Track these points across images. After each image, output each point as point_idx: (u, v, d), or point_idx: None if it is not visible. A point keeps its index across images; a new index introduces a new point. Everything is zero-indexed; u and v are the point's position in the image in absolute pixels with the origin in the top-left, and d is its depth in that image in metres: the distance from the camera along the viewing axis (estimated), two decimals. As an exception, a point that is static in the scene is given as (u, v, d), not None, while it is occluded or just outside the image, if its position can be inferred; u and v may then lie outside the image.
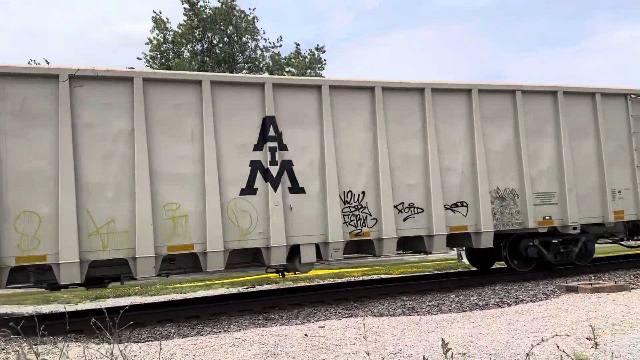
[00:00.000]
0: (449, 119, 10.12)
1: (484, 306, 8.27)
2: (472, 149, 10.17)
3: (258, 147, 8.77)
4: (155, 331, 7.67)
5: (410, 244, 10.17)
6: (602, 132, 11.31)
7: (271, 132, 8.81)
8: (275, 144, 8.82)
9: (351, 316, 7.89)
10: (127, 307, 5.35)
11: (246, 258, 8.96)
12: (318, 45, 25.97)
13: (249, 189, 8.64)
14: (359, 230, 9.32)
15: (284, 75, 23.77)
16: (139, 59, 24.76)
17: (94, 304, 11.76)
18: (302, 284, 13.01)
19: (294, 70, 25.22)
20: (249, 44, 25.54)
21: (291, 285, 12.92)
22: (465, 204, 10.09)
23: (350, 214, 9.27)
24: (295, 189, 8.92)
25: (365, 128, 9.50)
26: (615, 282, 9.04)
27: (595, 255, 11.83)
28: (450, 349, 3.80)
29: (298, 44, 30.86)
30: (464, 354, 4.89)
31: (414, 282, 10.75)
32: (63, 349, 4.77)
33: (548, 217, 10.71)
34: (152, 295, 12.75)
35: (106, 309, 5.10)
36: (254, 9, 25.95)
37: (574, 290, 8.76)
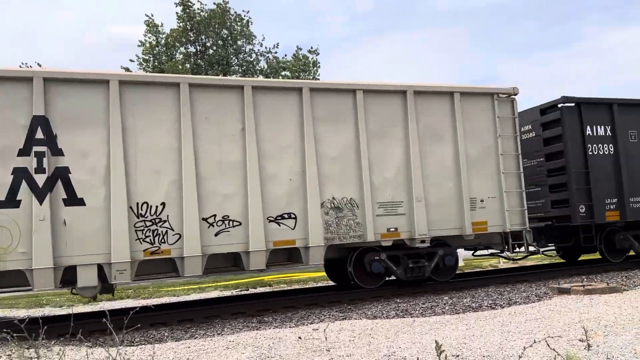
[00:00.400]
0: (276, 120, 9.02)
1: (477, 308, 8.16)
2: (303, 154, 9.09)
3: (24, 152, 7.51)
4: (149, 334, 7.53)
5: (233, 261, 9.04)
6: (461, 136, 10.33)
7: (39, 135, 7.56)
8: (44, 149, 7.57)
9: (345, 318, 7.77)
10: (137, 309, 5.53)
11: (11, 282, 7.63)
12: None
13: (10, 201, 7.36)
14: (157, 248, 8.11)
15: (280, 78, 23.36)
16: (131, 61, 24.62)
17: (87, 307, 11.65)
18: (296, 287, 12.75)
19: (289, 74, 24.70)
20: (244, 48, 25.28)
21: (285, 288, 12.68)
22: (293, 216, 8.99)
23: (146, 228, 8.07)
24: (72, 200, 7.68)
25: (168, 130, 8.33)
26: (608, 283, 8.82)
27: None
28: (443, 350, 3.90)
29: (300, 48, 29.46)
30: (458, 355, 4.88)
31: (408, 284, 10.11)
32: (60, 354, 5.02)
33: (393, 229, 9.68)
34: (145, 299, 12.54)
35: (100, 312, 4.85)
36: (248, 11, 25.74)
37: (567, 292, 8.68)
